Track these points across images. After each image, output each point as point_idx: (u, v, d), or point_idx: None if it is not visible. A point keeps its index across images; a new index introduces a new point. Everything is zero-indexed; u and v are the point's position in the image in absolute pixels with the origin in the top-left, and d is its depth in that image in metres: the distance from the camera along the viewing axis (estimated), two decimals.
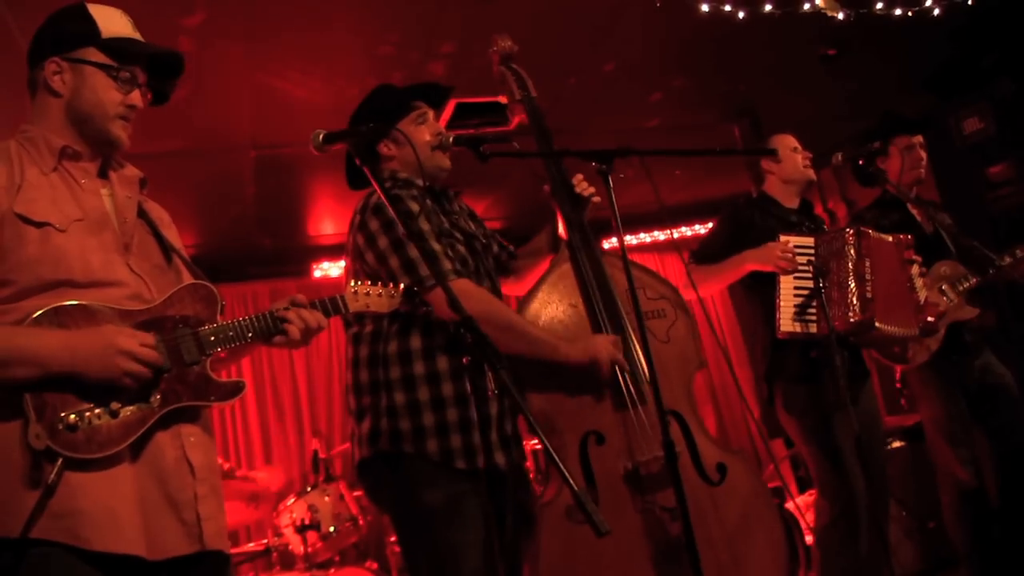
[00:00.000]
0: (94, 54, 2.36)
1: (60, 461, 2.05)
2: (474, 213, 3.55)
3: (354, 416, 3.16)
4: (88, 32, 2.37)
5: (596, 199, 3.51)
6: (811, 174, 4.44)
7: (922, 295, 4.10)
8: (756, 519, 3.35)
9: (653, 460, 3.13)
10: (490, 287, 3.26)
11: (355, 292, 2.64)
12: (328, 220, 7.72)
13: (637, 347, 3.27)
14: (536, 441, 3.63)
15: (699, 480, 3.29)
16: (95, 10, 2.41)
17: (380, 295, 2.67)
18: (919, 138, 4.73)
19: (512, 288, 3.65)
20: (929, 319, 4.08)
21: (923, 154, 4.71)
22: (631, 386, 3.23)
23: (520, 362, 3.11)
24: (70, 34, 2.37)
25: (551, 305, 3.34)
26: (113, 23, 2.41)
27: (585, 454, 3.19)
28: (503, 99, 3.72)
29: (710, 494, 3.28)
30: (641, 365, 3.24)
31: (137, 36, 2.45)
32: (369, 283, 2.67)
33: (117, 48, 2.38)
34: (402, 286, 2.72)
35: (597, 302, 3.32)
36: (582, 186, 3.49)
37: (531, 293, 3.36)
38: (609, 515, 3.05)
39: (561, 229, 3.51)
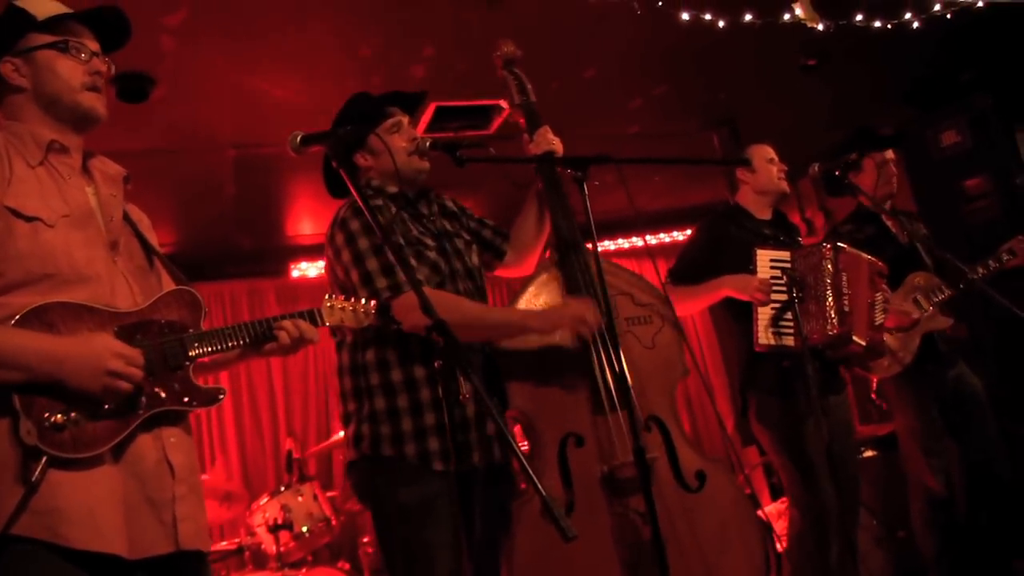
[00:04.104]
0: (38, 38, 2.37)
1: (44, 460, 2.05)
2: (461, 209, 3.56)
3: (342, 420, 3.25)
4: (25, 22, 2.37)
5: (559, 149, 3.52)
6: (784, 187, 4.44)
7: (879, 318, 4.13)
8: (734, 528, 3.37)
9: (629, 464, 3.13)
10: (469, 287, 3.28)
11: (331, 307, 2.68)
12: (307, 220, 7.69)
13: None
14: (524, 444, 3.65)
15: (677, 486, 3.31)
16: (22, 2, 2.41)
17: (354, 311, 2.72)
18: (891, 154, 4.77)
19: (512, 271, 3.66)
20: (878, 338, 4.12)
21: (895, 170, 4.74)
22: (610, 390, 3.24)
23: (504, 359, 3.23)
24: (9, 31, 2.38)
25: (538, 303, 3.39)
26: (43, 6, 2.40)
27: (564, 456, 3.22)
28: (503, 102, 3.74)
29: (688, 501, 3.30)
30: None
31: (69, 10, 2.43)
32: (343, 298, 2.71)
33: (57, 24, 2.38)
34: (373, 303, 2.77)
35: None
36: (548, 138, 3.52)
37: (519, 294, 3.42)
38: (584, 517, 3.10)
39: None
